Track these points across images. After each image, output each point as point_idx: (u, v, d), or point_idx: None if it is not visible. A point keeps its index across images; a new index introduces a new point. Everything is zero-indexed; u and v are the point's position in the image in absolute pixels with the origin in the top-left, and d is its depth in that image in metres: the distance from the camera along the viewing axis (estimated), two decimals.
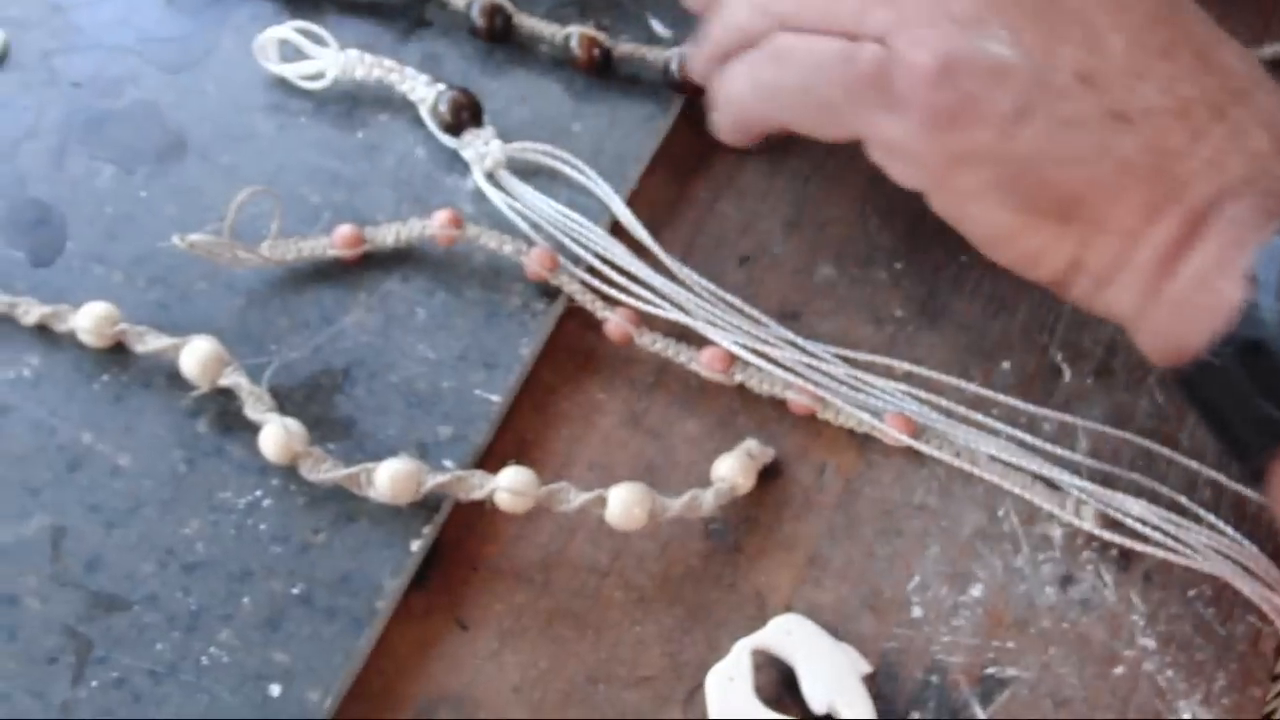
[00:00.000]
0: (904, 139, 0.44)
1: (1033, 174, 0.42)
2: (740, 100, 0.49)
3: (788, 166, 0.56)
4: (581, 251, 0.52)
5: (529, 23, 0.56)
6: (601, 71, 0.56)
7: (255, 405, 0.47)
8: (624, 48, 0.56)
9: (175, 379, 0.48)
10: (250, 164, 0.54)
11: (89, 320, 0.48)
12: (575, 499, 0.46)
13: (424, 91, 0.54)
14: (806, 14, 0.45)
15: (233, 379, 0.47)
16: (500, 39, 0.56)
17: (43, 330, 0.49)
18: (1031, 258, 0.44)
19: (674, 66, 0.55)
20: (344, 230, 0.51)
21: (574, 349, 0.52)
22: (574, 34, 0.55)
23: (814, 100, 0.46)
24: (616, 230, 0.53)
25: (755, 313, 0.51)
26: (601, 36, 0.55)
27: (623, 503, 0.46)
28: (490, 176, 0.53)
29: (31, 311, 0.49)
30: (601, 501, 0.46)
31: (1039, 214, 0.42)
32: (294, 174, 0.53)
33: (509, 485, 0.46)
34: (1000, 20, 0.41)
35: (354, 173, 0.53)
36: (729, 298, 0.51)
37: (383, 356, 0.50)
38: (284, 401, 0.48)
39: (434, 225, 0.51)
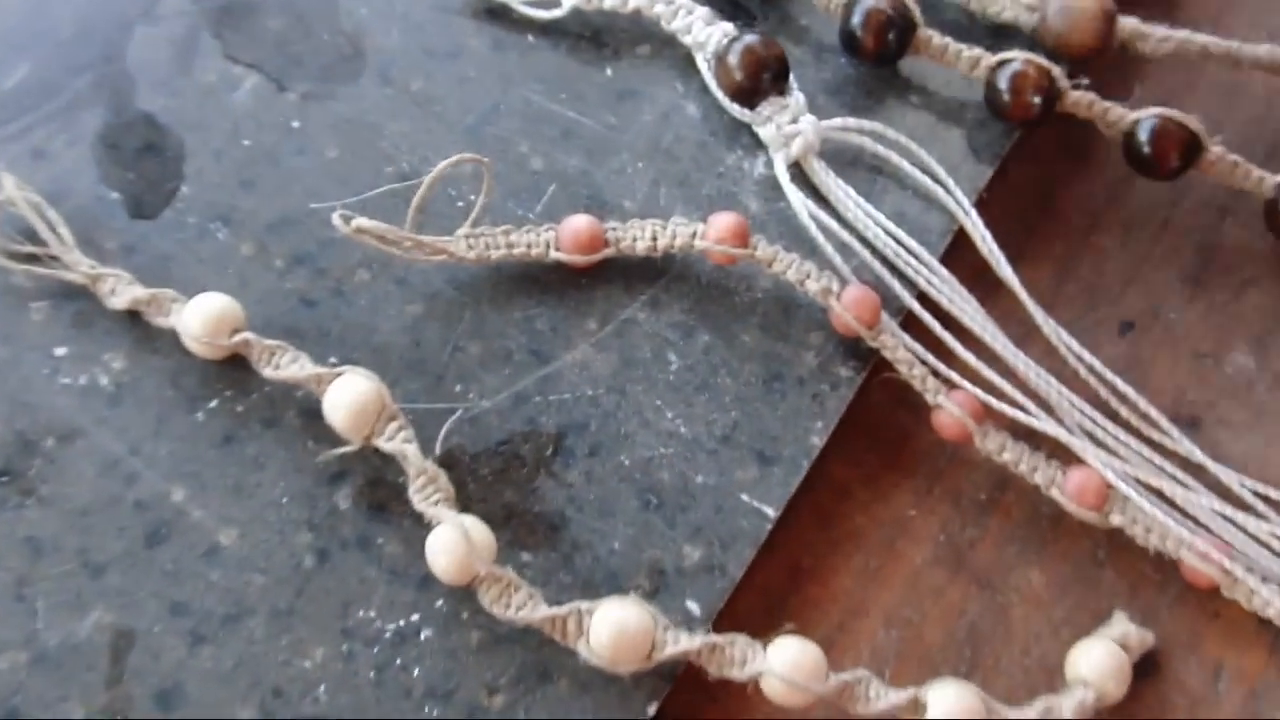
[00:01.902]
0: None
1: None
2: None
3: (1193, 190, 0.37)
4: (906, 295, 0.33)
5: None
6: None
7: (425, 491, 0.29)
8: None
9: (313, 419, 0.31)
10: (450, 96, 0.35)
11: (200, 319, 0.31)
12: (879, 698, 0.29)
13: (704, 32, 0.35)
14: None
15: (397, 443, 0.30)
16: None
17: (134, 319, 0.32)
18: None
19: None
20: (577, 224, 0.32)
21: (878, 435, 0.33)
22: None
23: None
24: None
25: (1154, 413, 0.33)
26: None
27: (947, 709, 0.29)
28: (796, 166, 0.34)
29: (121, 291, 0.32)
30: (917, 707, 0.29)
31: None
32: (510, 119, 0.35)
33: (785, 670, 0.28)
34: None
35: (596, 128, 0.35)
36: (1122, 387, 0.33)
37: (613, 422, 0.32)
38: (466, 475, 0.31)
39: (710, 234, 0.32)
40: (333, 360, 0.32)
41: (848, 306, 0.32)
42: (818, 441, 0.32)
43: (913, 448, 0.33)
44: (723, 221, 0.32)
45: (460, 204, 0.33)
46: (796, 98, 0.34)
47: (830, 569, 0.32)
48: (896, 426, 0.33)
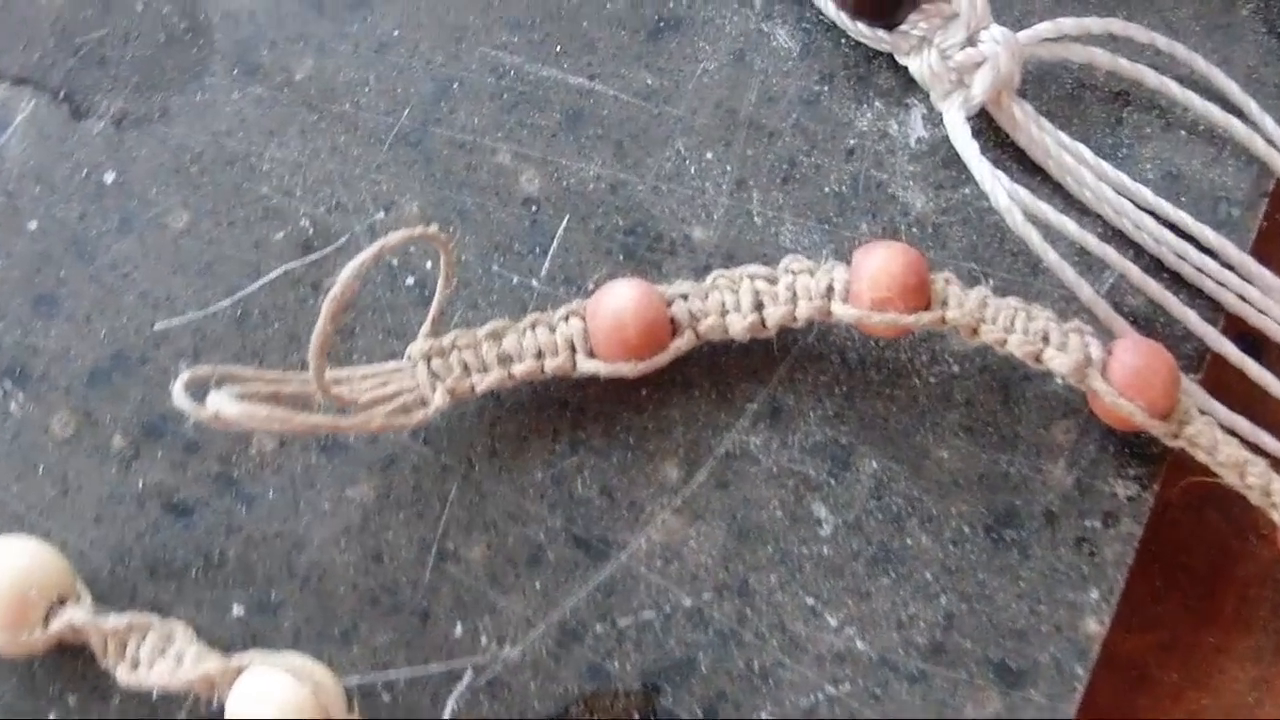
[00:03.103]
0: None
1: None
2: None
3: None
4: (1206, 327, 0.19)
5: None
6: None
7: None
8: None
9: None
10: (362, 82, 0.20)
11: None
12: None
13: None
14: None
15: None
16: None
17: None
18: None
19: None
20: (618, 301, 0.18)
21: (1181, 568, 0.19)
22: None
23: None
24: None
25: None
26: None
27: None
28: (983, 118, 0.19)
29: None
30: None
31: None
32: (471, 108, 0.20)
33: None
34: None
35: (624, 100, 0.20)
36: None
37: (736, 650, 0.18)
38: None
39: (859, 288, 0.18)
40: (237, 613, 0.18)
41: (1126, 388, 0.17)
42: (1097, 627, 0.18)
43: (1240, 583, 0.19)
44: (879, 263, 0.17)
45: (411, 280, 0.19)
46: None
47: None
48: (1210, 549, 0.19)
